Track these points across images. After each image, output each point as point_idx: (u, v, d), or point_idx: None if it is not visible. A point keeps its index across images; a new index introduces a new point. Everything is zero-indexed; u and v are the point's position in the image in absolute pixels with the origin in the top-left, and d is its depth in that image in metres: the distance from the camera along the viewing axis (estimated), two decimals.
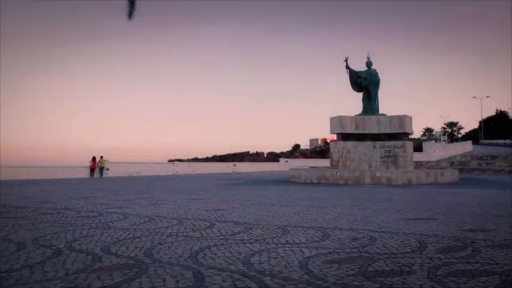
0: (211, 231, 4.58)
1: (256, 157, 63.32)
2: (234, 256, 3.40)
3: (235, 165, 30.43)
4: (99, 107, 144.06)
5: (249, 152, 70.11)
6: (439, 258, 3.38)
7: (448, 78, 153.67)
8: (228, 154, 70.82)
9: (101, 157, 24.43)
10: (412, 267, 3.10)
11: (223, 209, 6.77)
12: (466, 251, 3.66)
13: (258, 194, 9.79)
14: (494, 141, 72.46)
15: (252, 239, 4.17)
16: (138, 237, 4.22)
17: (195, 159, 67.62)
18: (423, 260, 3.30)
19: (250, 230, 4.67)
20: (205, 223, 5.18)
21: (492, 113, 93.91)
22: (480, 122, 77.62)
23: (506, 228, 4.88)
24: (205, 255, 3.42)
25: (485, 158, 26.81)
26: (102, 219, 5.53)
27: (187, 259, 3.29)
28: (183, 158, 67.00)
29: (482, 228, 4.88)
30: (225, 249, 3.68)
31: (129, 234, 4.37)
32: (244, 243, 3.95)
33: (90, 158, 24.42)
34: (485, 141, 71.65)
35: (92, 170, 24.25)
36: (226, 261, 3.22)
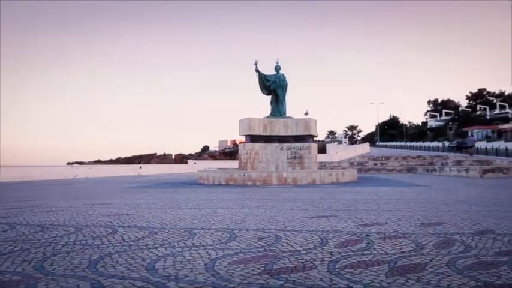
0: (113, 238, 4.31)
1: (164, 159, 61.70)
2: (137, 263, 3.24)
3: (141, 167, 29.24)
4: None
5: (156, 153, 67.91)
6: (338, 252, 3.60)
7: (351, 84, 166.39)
8: (133, 156, 67.80)
9: None
10: (314, 262, 3.26)
11: (126, 213, 6.44)
12: (362, 243, 3.96)
13: (165, 197, 9.52)
14: (388, 143, 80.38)
15: (157, 243, 4.02)
16: (27, 249, 3.80)
17: (98, 162, 63.58)
18: (324, 255, 3.48)
19: (155, 235, 4.50)
20: (107, 229, 4.87)
21: (387, 117, 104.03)
22: (376, 126, 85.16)
23: (396, 221, 5.40)
24: (106, 264, 3.20)
25: (380, 158, 29.45)
26: None
27: (85, 269, 3.05)
28: (83, 161, 62.62)
29: (376, 222, 5.32)
30: (128, 256, 3.49)
31: (15, 247, 3.90)
32: (149, 248, 3.79)
33: None
34: (380, 143, 79.00)
35: None
36: (128, 269, 3.06)
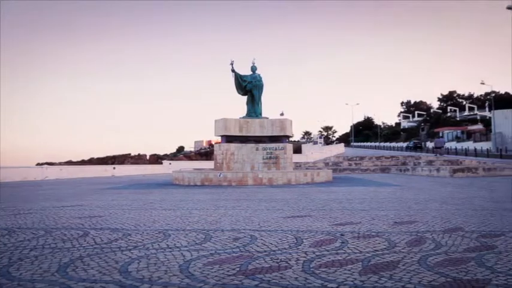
0: (85, 241, 4.20)
1: (138, 159, 60.63)
2: (110, 266, 3.17)
3: (114, 168, 28.65)
4: None
5: (130, 154, 66.69)
6: (312, 251, 3.63)
7: (326, 85, 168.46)
8: (107, 156, 66.33)
9: None
10: (289, 262, 3.27)
11: (99, 215, 6.29)
12: (336, 243, 4.00)
13: (139, 198, 9.36)
14: (362, 143, 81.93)
15: (131, 245, 3.95)
16: None
17: (69, 163, 61.92)
18: (299, 255, 3.50)
19: (128, 236, 4.41)
20: (78, 232, 4.74)
21: (361, 118, 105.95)
22: (351, 127, 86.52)
23: (369, 220, 5.49)
24: (77, 268, 3.12)
25: (355, 158, 29.90)
26: None
27: (55, 274, 2.96)
28: (54, 161, 60.88)
29: (350, 221, 5.40)
30: (100, 258, 3.41)
31: None
32: (122, 250, 3.72)
33: None
34: (355, 143, 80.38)
35: None
36: (100, 272, 2.99)
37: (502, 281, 2.72)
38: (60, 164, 55.11)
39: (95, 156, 68.81)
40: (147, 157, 64.92)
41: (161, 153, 74.30)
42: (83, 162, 62.01)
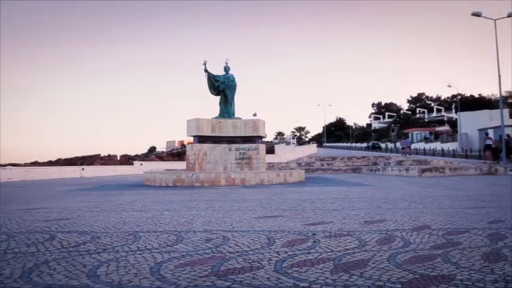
0: (51, 244, 4.06)
1: (108, 160, 59.23)
2: (77, 269, 3.08)
3: (83, 169, 27.89)
4: None
5: (99, 154, 65.14)
6: (285, 251, 3.64)
7: (299, 86, 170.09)
8: (75, 157, 64.47)
9: None
10: (261, 262, 3.27)
11: (66, 218, 6.10)
12: (308, 242, 4.03)
13: (109, 200, 9.14)
14: (334, 144, 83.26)
15: (100, 248, 3.84)
16: None
17: (35, 164, 59.85)
18: (271, 255, 3.51)
19: (97, 239, 4.30)
20: (44, 235, 4.57)
21: (333, 119, 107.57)
22: (324, 127, 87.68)
23: (341, 219, 5.56)
24: (42, 273, 3.01)
25: (327, 159, 30.26)
26: None
27: (18, 279, 2.85)
28: (18, 162, 58.65)
29: (322, 221, 5.45)
30: (67, 262, 3.30)
31: None
32: (91, 254, 3.62)
33: None
34: (327, 144, 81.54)
35: None
36: (67, 277, 2.90)
37: (465, 276, 2.81)
38: (25, 165, 53.14)
39: (63, 157, 66.81)
40: (118, 158, 63.60)
41: (132, 153, 73.14)
42: (49, 163, 60.09)
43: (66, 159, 62.73)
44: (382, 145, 59.90)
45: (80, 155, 66.18)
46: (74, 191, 12.33)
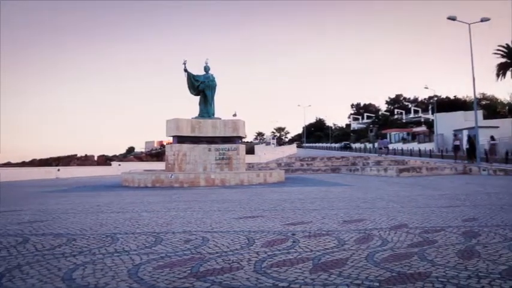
0: (24, 248, 3.94)
1: (85, 160, 58.02)
2: (52, 273, 3.00)
3: (59, 170, 27.22)
4: None
5: (76, 155, 63.80)
6: (264, 251, 3.64)
7: (279, 86, 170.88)
8: (51, 158, 62.90)
9: None
10: (241, 262, 3.26)
11: (41, 220, 5.93)
12: (288, 242, 4.05)
13: (86, 201, 8.95)
14: (314, 144, 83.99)
15: (76, 251, 3.76)
16: None
17: (7, 164, 58.09)
18: (251, 255, 3.50)
19: (73, 242, 4.20)
20: (17, 239, 4.44)
21: (313, 120, 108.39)
22: (303, 128, 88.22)
23: (320, 219, 5.60)
24: (14, 277, 2.92)
25: (307, 159, 30.42)
26: None
27: None
28: None
29: (301, 221, 5.48)
30: (41, 266, 3.21)
31: None
32: (66, 256, 3.53)
33: None
34: (307, 144, 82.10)
35: None
36: (41, 281, 2.82)
37: (441, 273, 2.88)
38: None
39: (37, 157, 65.10)
40: (95, 158, 62.41)
41: (110, 154, 71.85)
42: (23, 164, 58.46)
43: (41, 160, 61.11)
44: (357, 145, 61.12)
45: (55, 155, 64.64)
46: (48, 193, 12.02)
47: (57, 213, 6.83)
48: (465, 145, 23.52)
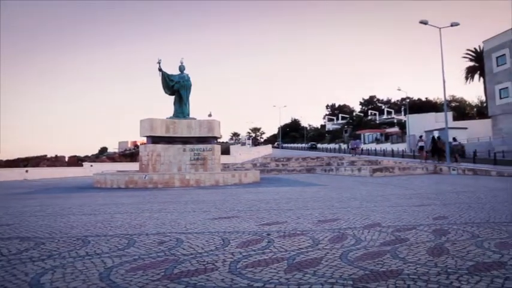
0: None
1: (56, 161, 56.37)
2: (18, 279, 2.89)
3: (27, 171, 26.37)
4: None
5: (46, 155, 61.96)
6: (239, 252, 3.63)
7: (253, 87, 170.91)
8: (18, 158, 60.80)
9: None
10: (216, 263, 3.23)
11: (7, 224, 5.71)
12: (263, 242, 4.04)
13: (55, 203, 8.70)
14: (290, 144, 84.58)
15: (44, 255, 3.63)
16: None
17: None
18: (226, 256, 3.48)
19: (41, 245, 4.06)
20: None
21: (289, 120, 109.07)
22: (279, 128, 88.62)
23: (295, 219, 5.63)
24: None
25: (282, 159, 30.58)
26: None
27: None
28: None
29: (276, 221, 5.49)
30: (6, 272, 3.09)
31: None
32: (34, 261, 3.41)
33: None
34: (283, 144, 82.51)
35: None
36: (6, 287, 2.70)
37: (412, 270, 2.94)
38: None
39: (3, 158, 62.76)
40: (66, 159, 60.80)
41: (82, 154, 70.25)
42: None
43: (7, 161, 58.90)
44: (331, 146, 62.33)
45: (23, 156, 62.53)
46: (15, 195, 11.61)
47: (25, 216, 6.60)
48: (429, 146, 24.55)
